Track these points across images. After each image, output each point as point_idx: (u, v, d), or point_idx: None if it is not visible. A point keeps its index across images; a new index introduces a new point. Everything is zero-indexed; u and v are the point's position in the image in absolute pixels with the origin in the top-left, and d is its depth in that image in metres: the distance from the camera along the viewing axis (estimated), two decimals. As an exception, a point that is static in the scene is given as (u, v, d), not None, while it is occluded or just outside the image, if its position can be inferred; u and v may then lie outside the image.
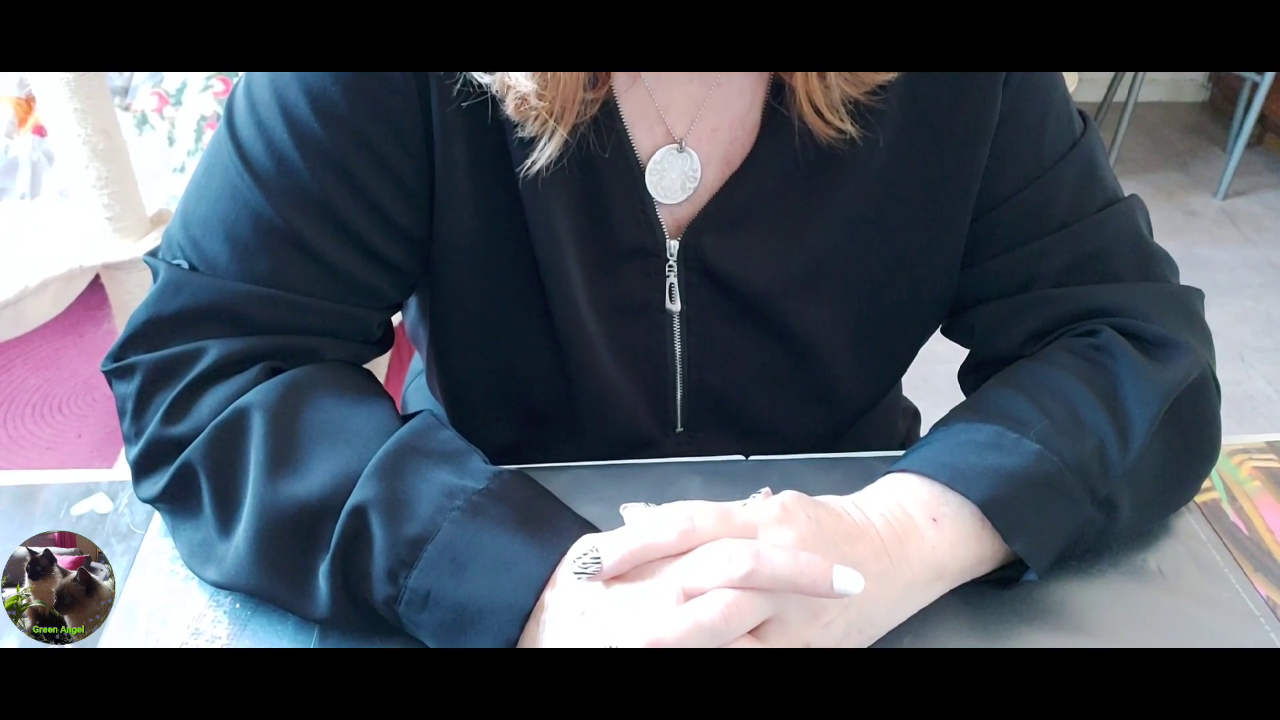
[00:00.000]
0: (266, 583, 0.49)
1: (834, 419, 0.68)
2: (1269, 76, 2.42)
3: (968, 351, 0.67)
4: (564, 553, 0.46)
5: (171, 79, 1.64)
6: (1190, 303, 0.61)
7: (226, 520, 0.50)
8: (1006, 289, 0.62)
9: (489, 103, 0.52)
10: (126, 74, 1.67)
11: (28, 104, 1.68)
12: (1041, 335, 0.61)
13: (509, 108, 0.51)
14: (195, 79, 1.62)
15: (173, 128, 1.61)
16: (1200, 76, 3.01)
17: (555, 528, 0.48)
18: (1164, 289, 0.61)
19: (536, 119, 0.51)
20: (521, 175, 0.53)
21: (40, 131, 1.63)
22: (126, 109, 1.64)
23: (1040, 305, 0.61)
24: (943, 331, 0.67)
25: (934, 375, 0.68)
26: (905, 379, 0.81)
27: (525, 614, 0.45)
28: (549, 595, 0.45)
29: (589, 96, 0.52)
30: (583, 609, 0.44)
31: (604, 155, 0.55)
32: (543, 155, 0.52)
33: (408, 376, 0.86)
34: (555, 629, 0.45)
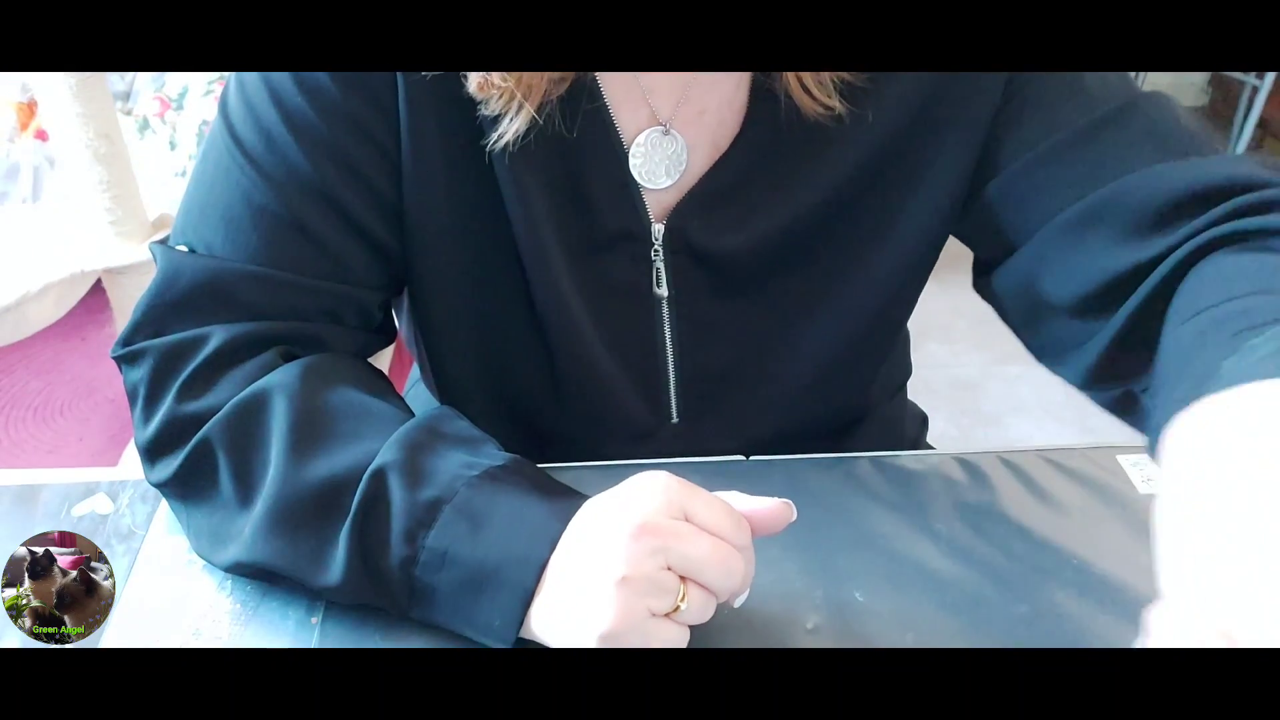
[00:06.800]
0: (284, 550, 0.49)
1: (834, 400, 0.67)
2: (1269, 79, 2.42)
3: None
4: (577, 511, 0.47)
5: (173, 84, 1.64)
6: None
7: (245, 495, 0.50)
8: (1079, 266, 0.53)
9: (459, 75, 0.52)
10: (128, 78, 1.68)
11: (30, 108, 1.69)
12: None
13: (471, 86, 0.51)
14: (197, 83, 1.63)
15: (174, 132, 1.61)
16: (1200, 80, 3.02)
17: (568, 495, 0.49)
18: (1260, 160, 0.52)
19: (500, 97, 0.51)
20: (496, 153, 0.53)
21: (42, 136, 1.63)
22: (128, 113, 1.64)
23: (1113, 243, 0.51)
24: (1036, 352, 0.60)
25: (934, 379, 0.67)
26: (908, 384, 0.81)
27: (542, 564, 0.45)
28: (561, 553, 0.45)
29: (557, 76, 0.52)
30: (596, 561, 0.44)
31: (586, 136, 0.54)
32: (509, 131, 0.52)
33: (408, 383, 0.86)
34: (569, 586, 0.45)
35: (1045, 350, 0.59)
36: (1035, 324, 0.59)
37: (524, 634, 0.46)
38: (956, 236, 0.63)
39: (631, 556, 0.43)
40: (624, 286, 0.60)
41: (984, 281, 0.61)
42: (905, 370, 0.80)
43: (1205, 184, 0.50)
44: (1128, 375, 0.54)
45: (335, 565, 0.48)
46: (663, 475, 0.46)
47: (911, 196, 0.59)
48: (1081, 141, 0.54)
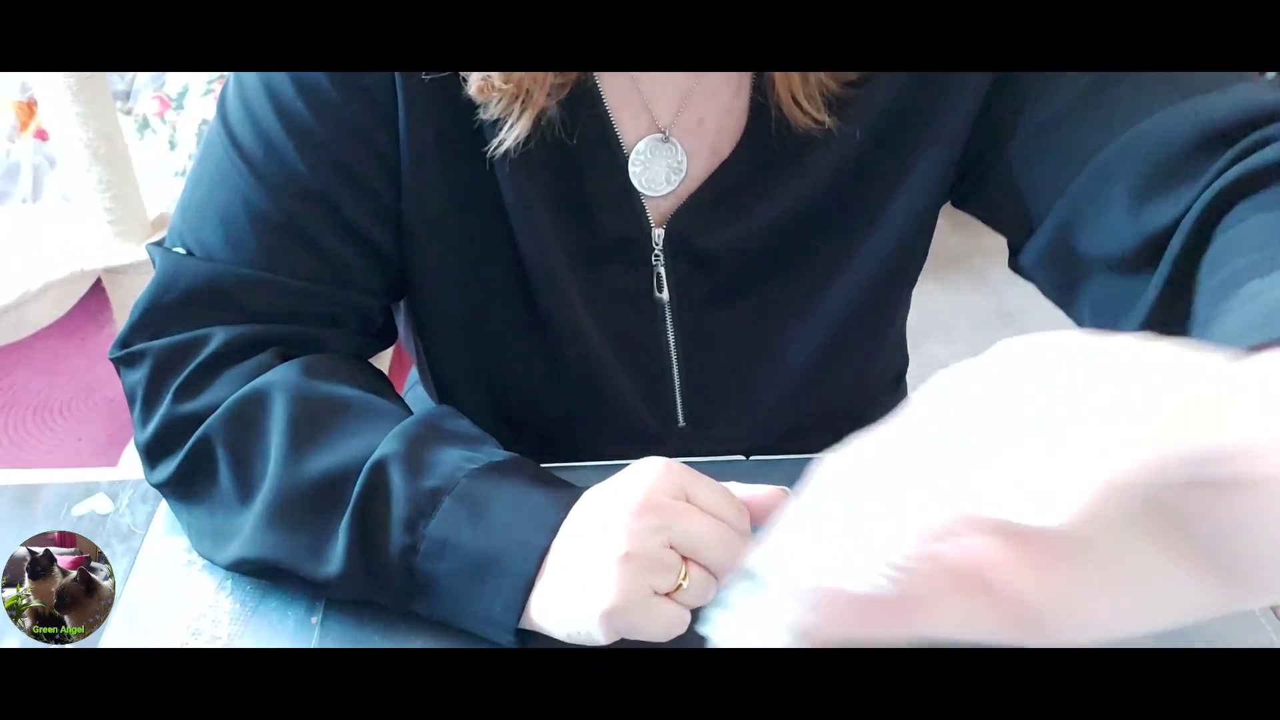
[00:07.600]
0: (284, 543, 0.49)
1: (833, 390, 0.66)
2: (1269, 78, 2.42)
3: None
4: (578, 500, 0.47)
5: (173, 83, 1.64)
6: None
7: (245, 492, 0.50)
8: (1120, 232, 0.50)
9: (459, 79, 0.52)
10: (128, 78, 1.68)
11: (30, 108, 1.69)
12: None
13: (471, 88, 0.51)
14: (197, 83, 1.63)
15: (174, 131, 1.61)
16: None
17: (569, 486, 0.49)
18: None
19: (501, 100, 0.51)
20: (496, 157, 0.53)
21: (42, 135, 1.63)
22: (128, 113, 1.64)
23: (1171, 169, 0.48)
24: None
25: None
26: (909, 384, 0.81)
27: (542, 551, 0.45)
28: (561, 540, 0.45)
29: (558, 80, 0.52)
30: (599, 540, 0.44)
31: (586, 143, 0.54)
32: (510, 136, 0.52)
33: (407, 384, 0.86)
34: (571, 570, 0.45)
35: (1094, 315, 0.56)
36: (1076, 289, 0.56)
37: (524, 623, 0.46)
38: (984, 221, 0.61)
39: (634, 533, 0.43)
40: (626, 292, 0.60)
41: (1017, 260, 0.59)
42: (903, 360, 0.79)
43: (1223, 119, 0.48)
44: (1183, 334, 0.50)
45: (335, 556, 0.48)
46: (663, 459, 0.46)
47: (898, 183, 0.58)
48: (1091, 95, 0.52)
